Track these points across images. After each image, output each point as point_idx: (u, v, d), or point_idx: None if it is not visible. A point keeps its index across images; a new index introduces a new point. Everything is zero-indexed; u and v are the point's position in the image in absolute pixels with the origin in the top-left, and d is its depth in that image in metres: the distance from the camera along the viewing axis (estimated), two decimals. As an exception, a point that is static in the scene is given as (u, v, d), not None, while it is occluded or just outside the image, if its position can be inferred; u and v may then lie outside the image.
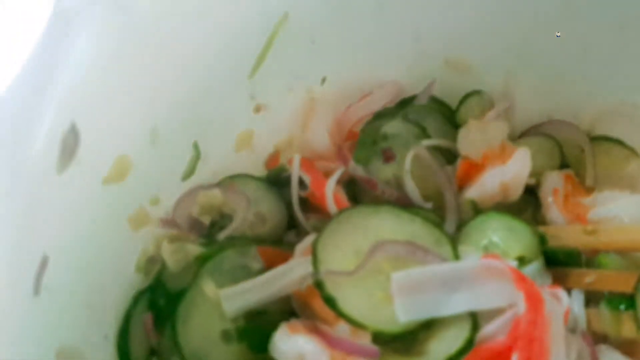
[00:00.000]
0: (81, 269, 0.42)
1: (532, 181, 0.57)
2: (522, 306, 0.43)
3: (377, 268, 0.46)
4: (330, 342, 0.45)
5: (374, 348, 0.45)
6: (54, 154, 0.36)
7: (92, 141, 0.38)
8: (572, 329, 0.50)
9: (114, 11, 0.37)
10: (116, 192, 0.44)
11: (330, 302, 0.44)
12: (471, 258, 0.47)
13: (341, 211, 0.50)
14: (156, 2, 0.41)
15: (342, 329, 0.46)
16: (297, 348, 0.44)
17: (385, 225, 0.48)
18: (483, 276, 0.45)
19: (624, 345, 0.51)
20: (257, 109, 0.57)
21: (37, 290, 0.37)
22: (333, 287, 0.45)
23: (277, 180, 0.59)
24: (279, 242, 0.56)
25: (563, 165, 0.60)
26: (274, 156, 0.61)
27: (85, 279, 0.43)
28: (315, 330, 0.46)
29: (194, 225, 0.54)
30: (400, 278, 0.45)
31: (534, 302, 0.43)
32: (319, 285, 0.45)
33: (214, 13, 0.45)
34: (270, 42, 0.51)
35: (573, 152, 0.60)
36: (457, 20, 0.57)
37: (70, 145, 0.36)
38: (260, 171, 0.60)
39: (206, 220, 0.54)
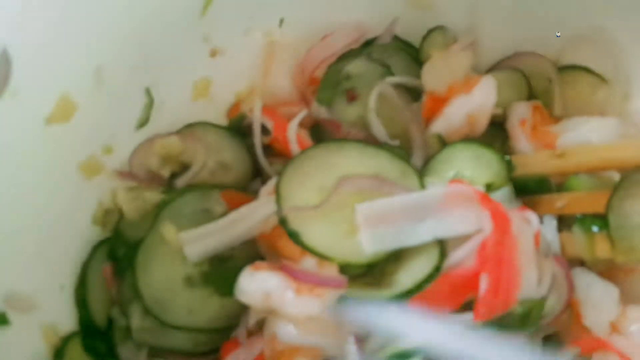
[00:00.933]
0: (30, 210, 0.40)
1: (499, 111, 0.55)
2: (488, 226, 0.42)
3: (343, 202, 0.45)
4: (296, 275, 0.43)
5: (341, 277, 0.44)
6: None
7: (27, 72, 0.36)
8: (545, 254, 0.50)
9: None
10: (62, 133, 0.42)
11: (294, 236, 0.43)
12: (436, 186, 0.46)
13: (305, 149, 0.48)
14: None
15: (307, 263, 0.44)
16: (262, 285, 0.43)
17: (349, 160, 0.47)
18: (449, 203, 0.44)
19: (599, 268, 0.50)
20: (213, 53, 0.55)
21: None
22: (297, 222, 0.44)
23: (239, 128, 0.57)
24: (244, 190, 0.55)
25: (531, 97, 0.59)
26: (235, 106, 0.59)
27: (36, 221, 0.41)
28: (279, 267, 0.45)
29: (152, 177, 0.52)
30: (365, 209, 0.44)
31: (500, 221, 0.42)
32: (283, 221, 0.44)
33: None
34: (220, -25, 0.49)
35: (541, 83, 0.59)
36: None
37: (1, 71, 0.34)
38: (221, 121, 0.59)
39: (166, 172, 0.52)
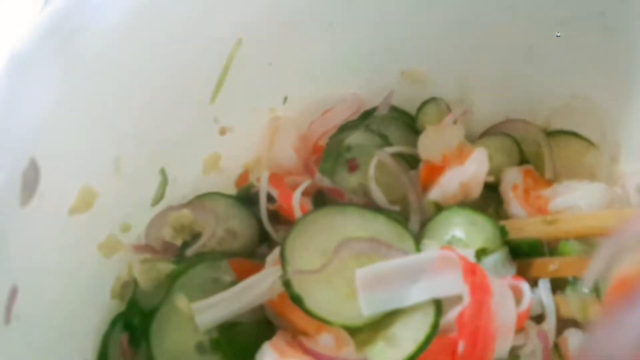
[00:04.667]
0: (54, 297, 0.44)
1: (492, 179, 0.59)
2: (466, 299, 0.45)
3: (343, 265, 0.48)
4: (319, 358, 0.46)
5: (361, 359, 0.46)
6: (16, 189, 0.38)
7: (53, 174, 0.40)
8: (538, 318, 0.52)
9: (68, 48, 0.39)
10: (84, 221, 0.46)
11: (297, 300, 0.46)
12: (430, 250, 0.49)
13: (307, 213, 0.51)
14: (111, 36, 0.43)
15: (325, 341, 0.47)
16: None
17: (350, 224, 0.50)
18: (440, 267, 0.47)
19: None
20: (222, 132, 0.59)
21: (7, 319, 0.38)
22: (300, 286, 0.46)
23: (246, 197, 0.61)
24: (252, 256, 0.58)
25: (523, 161, 0.62)
26: (243, 176, 0.63)
27: (60, 306, 0.45)
28: (299, 346, 0.48)
29: (167, 248, 0.56)
30: (364, 273, 0.47)
31: (479, 293, 0.45)
32: (286, 284, 0.47)
33: (170, 42, 0.48)
34: (227, 67, 0.54)
35: (531, 148, 0.63)
36: (407, 35, 0.60)
37: (31, 180, 0.38)
38: (230, 191, 0.62)
39: (178, 242, 0.56)
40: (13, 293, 0.39)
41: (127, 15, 0.42)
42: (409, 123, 0.65)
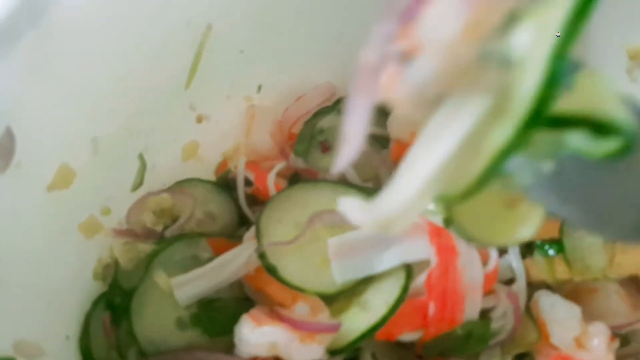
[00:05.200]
0: (36, 269, 0.45)
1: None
2: (433, 260, 0.47)
3: (316, 236, 0.50)
4: (295, 325, 0.48)
5: (335, 323, 0.48)
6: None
7: (29, 145, 0.42)
8: (509, 282, 0.54)
9: (42, 21, 0.40)
10: (63, 199, 0.47)
11: (272, 270, 0.48)
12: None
13: (282, 189, 0.53)
14: (84, 12, 0.44)
15: (301, 310, 0.49)
16: (268, 338, 0.47)
17: (322, 198, 0.52)
18: (409, 233, 0.48)
19: (563, 290, 0.54)
20: (199, 119, 0.61)
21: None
22: (274, 257, 0.48)
23: (225, 182, 0.63)
24: (231, 238, 0.60)
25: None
26: (222, 165, 0.65)
27: (42, 279, 0.46)
28: (276, 316, 0.49)
29: (148, 233, 0.57)
30: (336, 242, 0.49)
31: (445, 254, 0.47)
32: (261, 256, 0.48)
33: (143, 22, 0.49)
34: (199, 53, 0.56)
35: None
36: (374, 20, 0.63)
37: (6, 148, 0.40)
38: (210, 178, 0.64)
39: (159, 228, 0.58)
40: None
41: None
42: (380, 106, 0.67)
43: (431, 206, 0.54)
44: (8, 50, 0.39)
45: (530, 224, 0.28)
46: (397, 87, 0.23)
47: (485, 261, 0.51)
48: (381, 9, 0.25)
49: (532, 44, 0.21)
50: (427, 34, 0.22)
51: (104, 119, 0.50)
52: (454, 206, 0.28)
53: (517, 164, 0.23)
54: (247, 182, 0.62)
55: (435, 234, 0.48)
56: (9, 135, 0.39)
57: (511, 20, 0.22)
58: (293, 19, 0.61)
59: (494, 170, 0.22)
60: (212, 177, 0.65)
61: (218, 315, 0.51)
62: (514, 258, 0.54)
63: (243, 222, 0.62)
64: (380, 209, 0.24)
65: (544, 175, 0.24)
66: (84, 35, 0.44)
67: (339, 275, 0.49)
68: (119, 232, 0.56)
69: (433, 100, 0.24)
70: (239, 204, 0.61)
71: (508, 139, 0.21)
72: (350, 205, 0.25)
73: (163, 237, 0.57)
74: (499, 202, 0.29)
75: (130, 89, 0.52)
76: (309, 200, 0.53)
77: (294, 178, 0.63)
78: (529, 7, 0.21)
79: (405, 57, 0.23)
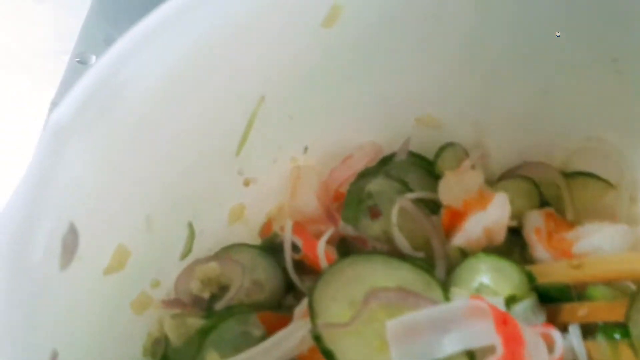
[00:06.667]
0: (89, 353, 0.44)
1: (515, 223, 0.59)
2: (499, 350, 0.45)
3: (372, 317, 0.48)
4: None
5: None
6: (55, 255, 0.39)
7: (90, 237, 0.41)
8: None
9: (101, 116, 0.40)
10: (117, 280, 0.46)
11: (328, 355, 0.46)
12: (460, 299, 0.49)
13: (333, 263, 0.52)
14: (148, 102, 0.44)
15: None
16: None
17: (376, 273, 0.50)
18: (471, 317, 0.47)
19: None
20: (247, 183, 0.60)
21: (48, 383, 0.39)
22: (330, 340, 0.46)
23: (271, 247, 0.62)
24: (278, 306, 0.58)
25: (543, 203, 0.63)
26: (266, 225, 0.64)
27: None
28: None
29: (195, 301, 0.56)
30: (395, 325, 0.47)
31: (512, 344, 0.45)
32: (317, 339, 0.46)
33: (199, 103, 0.49)
34: (251, 122, 0.55)
35: (551, 190, 0.63)
36: (420, 82, 0.61)
37: (70, 244, 0.39)
38: (255, 241, 0.63)
39: (206, 295, 0.57)
40: (53, 357, 0.39)
41: (161, 81, 0.44)
42: (428, 168, 0.66)
43: (491, 283, 0.54)
44: (75, 146, 0.38)
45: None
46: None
47: (550, 346, 0.49)
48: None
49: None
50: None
51: (157, 195, 0.50)
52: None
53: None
54: (294, 247, 0.60)
55: (501, 321, 0.46)
56: (73, 231, 0.39)
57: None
58: (339, 84, 0.60)
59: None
60: (257, 241, 0.64)
61: (270, 397, 0.50)
62: (575, 339, 0.52)
63: (289, 289, 0.61)
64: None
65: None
66: (147, 122, 0.43)
67: (400, 361, 0.47)
68: (167, 304, 0.55)
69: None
70: (285, 270, 0.60)
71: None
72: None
73: (211, 307, 0.56)
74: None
75: (183, 164, 0.51)
76: (363, 275, 0.51)
77: (342, 244, 0.61)
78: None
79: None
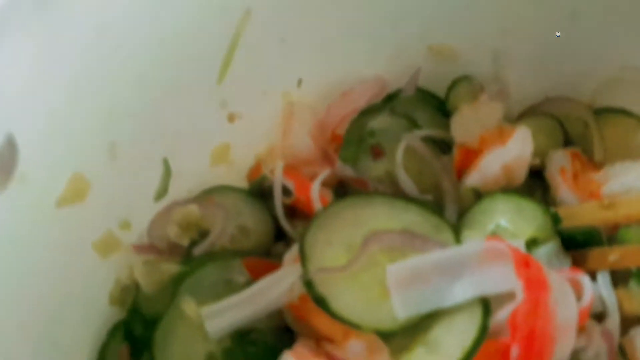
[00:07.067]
0: (40, 302, 0.38)
1: (537, 161, 0.52)
2: (520, 296, 0.39)
3: (373, 261, 0.43)
4: None
5: None
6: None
7: (35, 156, 0.35)
8: (598, 316, 0.45)
9: (45, 10, 0.34)
10: (75, 214, 0.40)
11: (321, 302, 0.41)
12: (473, 242, 0.43)
13: (329, 204, 0.46)
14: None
15: (355, 348, 0.41)
16: None
17: (378, 215, 0.45)
18: (487, 260, 0.41)
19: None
20: (231, 118, 0.54)
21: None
22: (323, 286, 0.41)
23: (260, 191, 0.55)
24: (266, 255, 0.52)
25: (567, 143, 0.56)
26: (255, 168, 0.58)
27: (47, 312, 0.39)
28: (324, 354, 0.42)
29: (172, 248, 0.50)
30: (397, 269, 0.41)
31: (535, 290, 0.39)
32: (308, 285, 0.41)
33: (168, 10, 0.42)
34: (235, 42, 0.49)
35: (576, 129, 0.56)
36: (435, 4, 0.54)
37: (7, 159, 0.33)
38: (242, 185, 0.57)
39: (185, 242, 0.50)
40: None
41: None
42: (438, 106, 0.59)
43: (509, 225, 0.47)
44: (10, 40, 0.31)
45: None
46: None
47: (578, 293, 0.42)
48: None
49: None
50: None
51: (124, 120, 0.43)
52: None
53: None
54: (285, 191, 0.54)
55: (523, 263, 0.40)
56: (10, 144, 0.33)
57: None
58: (340, 4, 0.53)
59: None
60: (244, 184, 0.57)
61: (255, 349, 0.45)
62: (605, 288, 0.46)
63: (279, 237, 0.54)
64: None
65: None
66: (100, 21, 0.36)
67: (402, 310, 0.41)
68: (139, 249, 0.49)
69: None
70: (275, 216, 0.54)
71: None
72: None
73: (190, 254, 0.50)
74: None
75: (153, 84, 0.45)
76: (363, 217, 0.45)
77: (340, 188, 0.55)
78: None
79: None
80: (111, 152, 0.42)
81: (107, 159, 0.42)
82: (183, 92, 0.48)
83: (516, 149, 0.50)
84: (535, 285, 0.40)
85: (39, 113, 0.35)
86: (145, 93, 0.44)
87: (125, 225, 0.47)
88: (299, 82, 0.57)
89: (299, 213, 0.54)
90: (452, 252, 0.42)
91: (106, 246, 0.45)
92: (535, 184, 0.53)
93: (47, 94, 0.36)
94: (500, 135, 0.51)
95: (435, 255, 0.42)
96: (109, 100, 0.41)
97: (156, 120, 0.46)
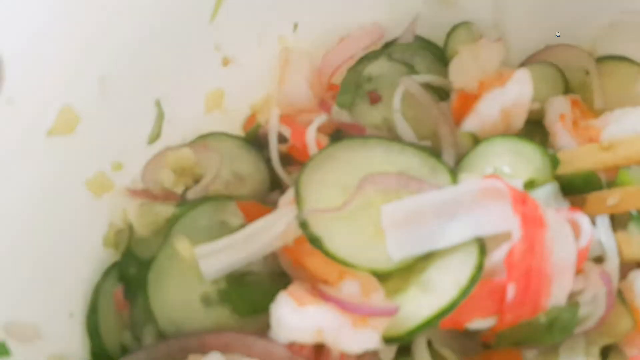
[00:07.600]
0: (33, 233, 0.37)
1: (537, 105, 0.51)
2: (517, 233, 0.39)
3: (368, 202, 0.42)
4: (343, 306, 0.39)
5: (392, 305, 0.40)
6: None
7: (23, 78, 0.34)
8: (597, 260, 0.45)
9: None
10: (65, 146, 0.39)
11: (316, 242, 0.40)
12: (470, 180, 0.42)
13: (326, 146, 0.45)
14: None
15: (349, 288, 0.41)
16: (313, 322, 0.39)
17: (374, 158, 0.44)
18: (483, 200, 0.40)
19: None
20: (225, 62, 0.52)
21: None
22: (319, 226, 0.40)
23: (256, 139, 0.54)
24: (262, 203, 0.51)
25: (567, 90, 0.55)
26: (250, 119, 0.56)
27: (41, 245, 0.38)
28: (320, 294, 0.41)
29: (166, 195, 0.49)
30: (392, 210, 0.40)
31: (532, 227, 0.39)
32: (303, 225, 0.40)
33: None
34: (228, -25, 0.47)
35: (577, 77, 0.55)
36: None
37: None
38: (237, 133, 0.56)
39: (179, 189, 0.49)
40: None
41: None
42: (436, 53, 0.57)
43: (507, 168, 0.46)
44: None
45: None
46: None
47: (576, 234, 0.42)
48: None
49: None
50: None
51: (114, 54, 0.42)
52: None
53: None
54: (281, 139, 0.53)
55: (520, 201, 0.39)
56: None
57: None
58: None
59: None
60: (239, 132, 0.56)
61: (250, 291, 0.44)
62: (604, 231, 0.45)
63: (275, 185, 0.53)
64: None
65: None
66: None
67: (396, 250, 0.41)
68: (134, 192, 0.48)
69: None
70: (270, 164, 0.53)
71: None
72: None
73: (184, 199, 0.49)
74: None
75: (146, 21, 0.43)
76: (358, 160, 0.44)
77: (336, 135, 0.54)
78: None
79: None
80: (101, 87, 0.41)
81: (97, 93, 0.41)
82: (176, 28, 0.46)
83: (515, 91, 0.49)
84: (532, 222, 0.39)
85: (27, 34, 0.34)
86: (136, 27, 0.43)
87: (117, 166, 0.46)
88: (295, 26, 0.55)
89: (294, 162, 0.53)
90: (448, 192, 0.42)
91: (98, 185, 0.44)
92: (534, 131, 0.52)
93: (35, 17, 0.34)
94: (499, 79, 0.50)
95: (431, 196, 0.41)
96: (99, 33, 0.40)
97: (148, 57, 0.45)
